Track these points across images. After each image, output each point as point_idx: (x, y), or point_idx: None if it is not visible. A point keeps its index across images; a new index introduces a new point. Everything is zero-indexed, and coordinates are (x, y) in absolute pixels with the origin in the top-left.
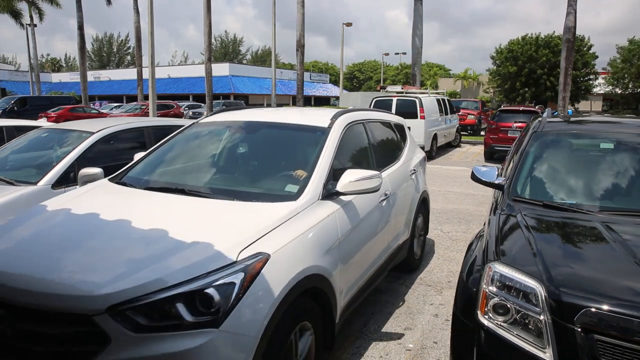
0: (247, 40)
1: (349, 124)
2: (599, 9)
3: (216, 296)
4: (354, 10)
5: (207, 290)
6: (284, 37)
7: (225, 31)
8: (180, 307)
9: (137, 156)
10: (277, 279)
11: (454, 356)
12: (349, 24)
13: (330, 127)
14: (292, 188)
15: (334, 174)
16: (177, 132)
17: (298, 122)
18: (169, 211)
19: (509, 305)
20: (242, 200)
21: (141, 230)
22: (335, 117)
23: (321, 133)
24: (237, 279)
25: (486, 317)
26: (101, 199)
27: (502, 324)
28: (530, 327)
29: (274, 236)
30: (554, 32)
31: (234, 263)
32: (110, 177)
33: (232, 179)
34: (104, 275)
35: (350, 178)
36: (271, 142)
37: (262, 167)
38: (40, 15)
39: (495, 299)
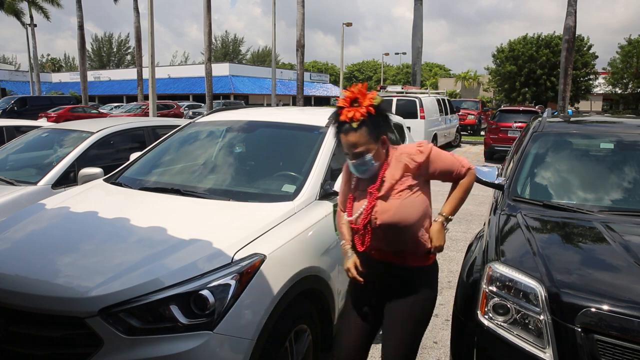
0: (250, 40)
1: None
2: (615, 7)
3: (211, 298)
4: (361, 6)
5: (202, 292)
6: (290, 36)
7: (226, 31)
8: (175, 309)
9: (133, 156)
10: (274, 280)
11: (454, 356)
12: (349, 24)
13: (327, 126)
14: (289, 188)
15: (332, 174)
16: (173, 132)
17: (295, 121)
18: (164, 212)
19: (509, 305)
20: (238, 201)
21: (136, 231)
22: None
23: (318, 132)
24: (233, 280)
25: (486, 317)
26: (96, 199)
27: (502, 324)
28: (530, 327)
29: (270, 237)
30: (555, 32)
31: (229, 264)
32: (105, 177)
33: (228, 179)
34: (97, 277)
35: None
36: (268, 142)
37: (258, 166)
38: (46, 14)
39: (496, 299)
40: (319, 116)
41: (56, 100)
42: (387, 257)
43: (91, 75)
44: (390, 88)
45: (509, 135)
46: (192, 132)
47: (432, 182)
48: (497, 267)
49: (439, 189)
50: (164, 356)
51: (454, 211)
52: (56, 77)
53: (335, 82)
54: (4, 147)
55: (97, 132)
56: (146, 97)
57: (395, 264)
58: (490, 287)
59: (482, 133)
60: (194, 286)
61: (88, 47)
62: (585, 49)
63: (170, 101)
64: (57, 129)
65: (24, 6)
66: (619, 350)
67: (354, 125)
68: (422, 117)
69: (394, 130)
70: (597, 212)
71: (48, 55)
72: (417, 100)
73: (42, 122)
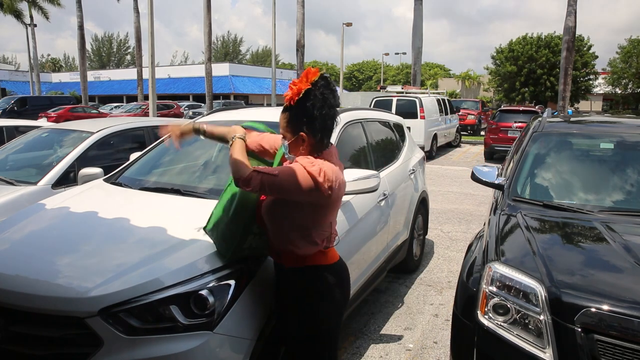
0: (250, 40)
1: (346, 123)
2: (617, 7)
3: (211, 298)
4: (362, 5)
5: (202, 292)
6: (290, 36)
7: (228, 31)
8: (174, 309)
9: (133, 156)
10: (273, 279)
11: (454, 356)
12: (349, 24)
13: None
14: None
15: None
16: None
17: None
18: (164, 212)
19: (509, 305)
20: None
21: (135, 231)
22: None
23: None
24: (232, 280)
25: (486, 317)
26: (96, 199)
27: (502, 324)
28: (530, 327)
29: None
30: (555, 32)
31: (229, 264)
32: (105, 177)
33: (229, 179)
34: (97, 277)
35: (347, 178)
36: None
37: None
38: (45, 14)
39: (495, 299)
40: None
41: (56, 100)
42: (274, 255)
43: (91, 75)
44: (390, 88)
45: (509, 135)
46: None
47: (431, 182)
48: (497, 267)
49: (439, 189)
50: (164, 356)
51: (212, 133)
52: (56, 77)
53: (335, 82)
54: (4, 147)
55: (97, 132)
56: (146, 97)
57: (279, 263)
58: (490, 287)
59: (482, 133)
60: (194, 286)
61: (88, 47)
62: (585, 49)
63: (170, 101)
64: (57, 129)
65: (24, 6)
66: (619, 350)
67: (284, 106)
68: (422, 117)
69: (316, 132)
70: (597, 212)
71: (48, 55)
72: (417, 100)
73: (42, 122)
